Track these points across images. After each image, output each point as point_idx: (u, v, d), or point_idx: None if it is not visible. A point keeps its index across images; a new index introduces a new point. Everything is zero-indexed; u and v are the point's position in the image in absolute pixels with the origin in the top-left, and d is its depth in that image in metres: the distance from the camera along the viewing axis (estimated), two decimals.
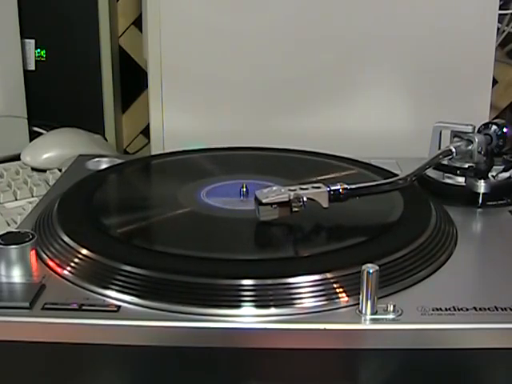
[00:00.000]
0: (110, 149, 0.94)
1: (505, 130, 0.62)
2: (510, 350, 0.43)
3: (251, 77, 0.82)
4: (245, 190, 0.60)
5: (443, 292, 0.46)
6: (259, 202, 0.53)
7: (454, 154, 0.61)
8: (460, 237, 0.55)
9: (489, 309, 0.44)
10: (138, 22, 1.06)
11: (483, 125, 0.63)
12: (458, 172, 0.63)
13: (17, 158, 0.89)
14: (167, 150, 0.77)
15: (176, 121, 0.83)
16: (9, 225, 0.69)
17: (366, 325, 0.43)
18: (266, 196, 0.53)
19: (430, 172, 0.63)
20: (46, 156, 0.87)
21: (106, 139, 1.00)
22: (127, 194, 0.65)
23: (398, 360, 0.43)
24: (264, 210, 0.53)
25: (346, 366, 0.44)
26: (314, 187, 0.54)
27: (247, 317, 0.43)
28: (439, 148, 0.65)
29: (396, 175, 0.60)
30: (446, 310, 0.44)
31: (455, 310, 0.44)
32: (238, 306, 0.44)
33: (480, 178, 0.61)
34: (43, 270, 0.48)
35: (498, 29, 0.99)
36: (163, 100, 0.82)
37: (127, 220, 0.57)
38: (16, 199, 0.78)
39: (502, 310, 0.44)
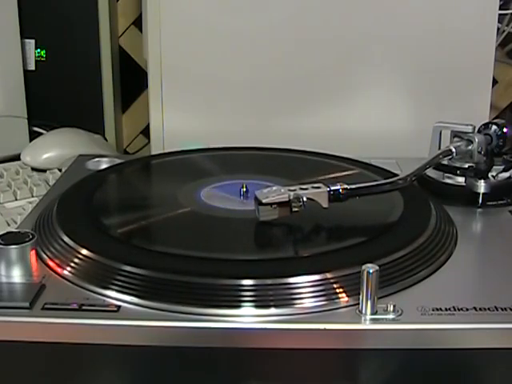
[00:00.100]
0: (110, 149, 0.94)
1: (505, 130, 0.62)
2: (509, 349, 0.43)
3: (251, 77, 0.82)
4: (245, 189, 0.60)
5: (443, 292, 0.46)
6: (259, 202, 0.53)
7: (454, 154, 0.61)
8: (460, 237, 0.55)
9: (489, 309, 0.44)
10: (138, 22, 1.06)
11: (483, 125, 0.63)
12: (458, 172, 0.63)
13: (17, 158, 0.89)
14: (167, 150, 0.77)
15: (176, 121, 0.83)
16: (9, 225, 0.69)
17: (366, 325, 0.43)
18: (266, 196, 0.53)
19: (430, 172, 0.63)
20: (45, 156, 0.87)
21: (106, 139, 1.00)
22: (127, 194, 0.65)
23: (397, 360, 0.43)
24: (264, 210, 0.53)
25: (346, 366, 0.44)
26: (313, 187, 0.54)
27: (247, 317, 0.43)
28: (439, 148, 0.65)
29: (396, 175, 0.60)
30: (446, 309, 0.44)
31: (455, 309, 0.44)
32: (238, 306, 0.44)
33: (480, 178, 0.61)
34: (43, 269, 0.48)
35: (498, 29, 0.99)
36: (163, 100, 0.82)
37: (127, 220, 0.57)
38: (16, 199, 0.78)
39: (502, 309, 0.44)
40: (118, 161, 0.72)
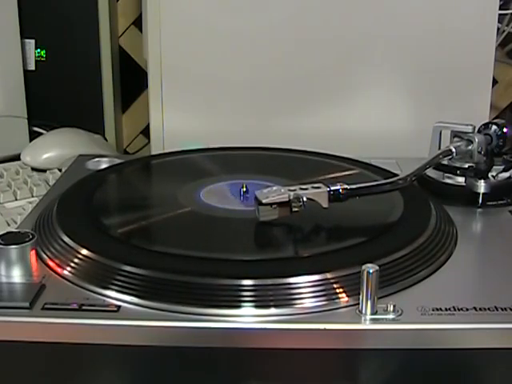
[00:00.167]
0: (110, 149, 0.94)
1: (505, 130, 0.62)
2: (509, 349, 0.43)
3: (251, 77, 0.82)
4: (245, 189, 0.60)
5: (443, 292, 0.46)
6: (259, 202, 0.53)
7: (454, 154, 0.61)
8: (460, 237, 0.55)
9: (489, 309, 0.44)
10: (138, 22, 1.06)
11: (483, 125, 0.63)
12: (458, 172, 0.63)
13: (17, 158, 0.89)
14: (167, 150, 0.77)
15: (176, 121, 0.83)
16: (9, 225, 0.69)
17: (366, 325, 0.43)
18: (266, 196, 0.53)
19: (430, 172, 0.63)
20: (46, 156, 0.87)
21: (106, 139, 1.00)
22: (127, 194, 0.65)
23: (398, 360, 0.43)
24: (264, 210, 0.53)
25: (346, 365, 0.44)
26: (313, 187, 0.54)
27: (247, 317, 0.43)
28: (439, 148, 0.65)
29: (396, 175, 0.59)
30: (446, 309, 0.44)
31: (455, 309, 0.44)
32: (238, 306, 0.44)
33: (480, 178, 0.61)
34: (43, 270, 0.48)
35: (498, 29, 0.99)
36: (163, 100, 0.82)
37: (127, 220, 0.57)
38: (16, 199, 0.78)
39: (502, 309, 0.44)
40: (117, 161, 0.72)
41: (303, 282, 0.45)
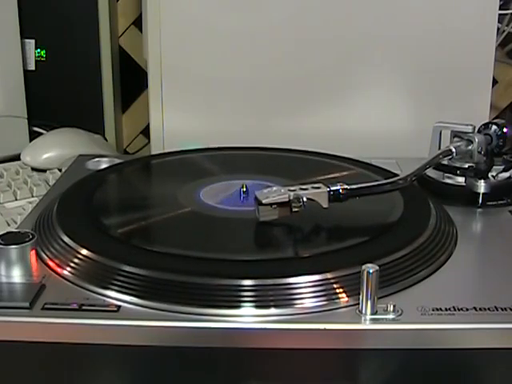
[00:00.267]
0: (110, 149, 0.94)
1: (505, 130, 0.62)
2: (509, 349, 0.43)
3: (251, 77, 0.82)
4: (245, 189, 0.60)
5: (443, 292, 0.46)
6: (259, 203, 0.53)
7: (454, 154, 0.61)
8: (460, 237, 0.55)
9: (489, 309, 0.44)
10: (138, 22, 1.06)
11: (483, 125, 0.63)
12: (458, 172, 0.63)
13: (17, 158, 0.89)
14: (167, 150, 0.77)
15: (176, 121, 0.83)
16: (9, 225, 0.69)
17: (366, 325, 0.43)
18: (266, 196, 0.53)
19: (430, 172, 0.63)
20: (46, 156, 0.87)
21: (106, 139, 1.00)
22: (127, 194, 0.65)
23: (398, 360, 0.43)
24: (264, 210, 0.53)
25: (346, 365, 0.44)
26: (313, 187, 0.54)
27: (247, 317, 0.43)
28: (439, 148, 0.65)
29: (396, 175, 0.60)
30: (446, 309, 0.44)
31: (455, 309, 0.44)
32: (238, 306, 0.44)
33: (480, 178, 0.61)
34: (43, 269, 0.48)
35: (498, 29, 0.99)
36: (163, 100, 0.82)
37: (127, 220, 0.57)
38: (16, 199, 0.78)
39: (502, 309, 0.44)
40: (117, 161, 0.72)
41: (303, 282, 0.45)
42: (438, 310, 0.44)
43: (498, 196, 0.62)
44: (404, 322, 0.43)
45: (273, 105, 0.83)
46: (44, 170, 0.86)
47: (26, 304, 0.44)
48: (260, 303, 0.44)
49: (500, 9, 0.82)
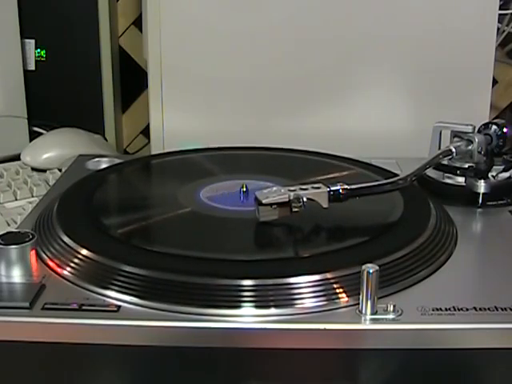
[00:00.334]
0: (110, 149, 0.94)
1: (505, 130, 0.62)
2: (509, 349, 0.43)
3: (251, 77, 0.82)
4: (245, 189, 0.60)
5: (443, 292, 0.46)
6: (259, 203, 0.53)
7: (454, 154, 0.61)
8: (460, 237, 0.55)
9: (489, 309, 0.44)
10: (138, 22, 1.06)
11: (483, 125, 0.63)
12: (458, 172, 0.63)
13: (17, 158, 0.89)
14: (167, 150, 0.77)
15: (176, 121, 0.83)
16: (9, 225, 0.69)
17: (366, 325, 0.43)
18: (266, 196, 0.53)
19: (430, 172, 0.63)
20: (46, 156, 0.87)
21: (106, 139, 1.00)
22: (127, 194, 0.65)
23: (397, 360, 0.43)
24: (264, 210, 0.53)
25: (346, 365, 0.44)
26: (313, 187, 0.54)
27: (247, 317, 0.43)
28: (439, 148, 0.65)
29: (396, 175, 0.60)
30: (446, 310, 0.44)
31: (455, 309, 0.44)
32: (238, 306, 0.44)
33: (480, 178, 0.61)
34: (43, 269, 0.48)
35: (498, 29, 0.99)
36: (163, 100, 0.82)
37: (127, 220, 0.57)
38: (16, 199, 0.78)
39: (502, 309, 0.44)
40: (117, 161, 0.72)
41: (303, 282, 0.45)
42: (437, 310, 0.44)
43: (498, 196, 0.62)
44: (404, 322, 0.43)
45: (273, 105, 0.83)
46: (44, 170, 0.86)
47: (26, 304, 0.44)
48: (260, 303, 0.44)
49: (500, 9, 0.82)
